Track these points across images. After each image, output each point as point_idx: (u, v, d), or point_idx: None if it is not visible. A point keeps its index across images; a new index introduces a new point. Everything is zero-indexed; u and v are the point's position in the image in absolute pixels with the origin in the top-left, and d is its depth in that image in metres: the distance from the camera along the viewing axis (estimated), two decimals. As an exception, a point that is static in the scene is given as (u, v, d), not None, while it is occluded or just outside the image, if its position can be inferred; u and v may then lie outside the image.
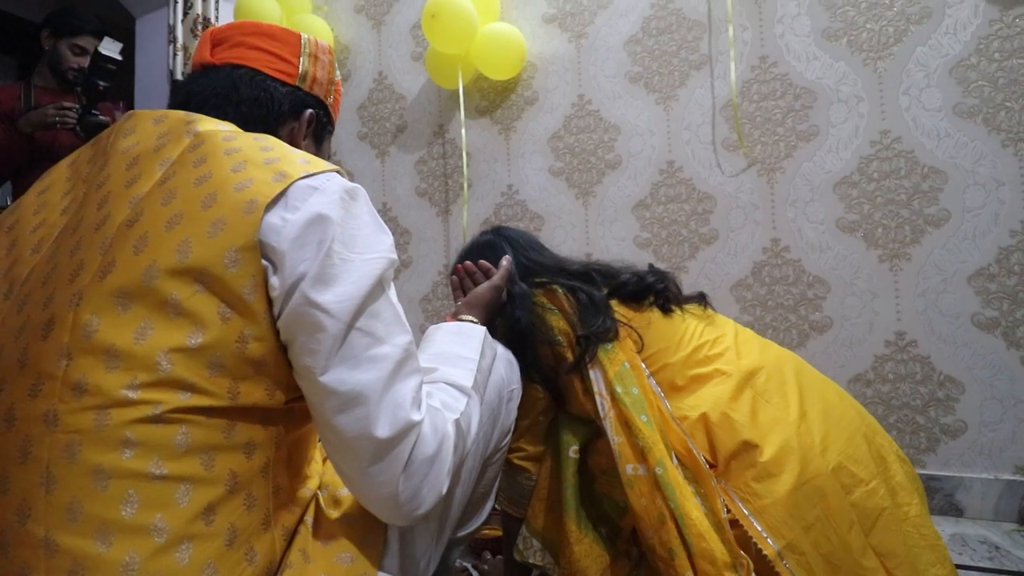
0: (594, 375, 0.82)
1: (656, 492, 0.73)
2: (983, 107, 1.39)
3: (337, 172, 0.56)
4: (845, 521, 0.73)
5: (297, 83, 0.66)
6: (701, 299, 0.97)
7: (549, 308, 0.88)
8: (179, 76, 2.09)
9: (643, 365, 0.83)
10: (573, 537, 0.82)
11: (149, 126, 0.57)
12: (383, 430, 0.51)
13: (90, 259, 0.50)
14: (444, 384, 0.64)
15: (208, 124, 0.56)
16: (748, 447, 0.76)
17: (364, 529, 0.58)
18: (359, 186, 0.56)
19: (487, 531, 1.20)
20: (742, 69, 1.61)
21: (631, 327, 0.86)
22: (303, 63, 0.67)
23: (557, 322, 0.86)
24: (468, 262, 0.97)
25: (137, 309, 0.47)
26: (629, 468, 0.76)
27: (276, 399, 0.52)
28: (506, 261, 0.92)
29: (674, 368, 0.86)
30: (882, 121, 1.47)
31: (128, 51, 2.11)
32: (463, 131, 1.86)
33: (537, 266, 0.95)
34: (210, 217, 0.49)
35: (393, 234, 2.11)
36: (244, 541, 0.50)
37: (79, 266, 0.50)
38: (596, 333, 0.83)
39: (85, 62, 1.67)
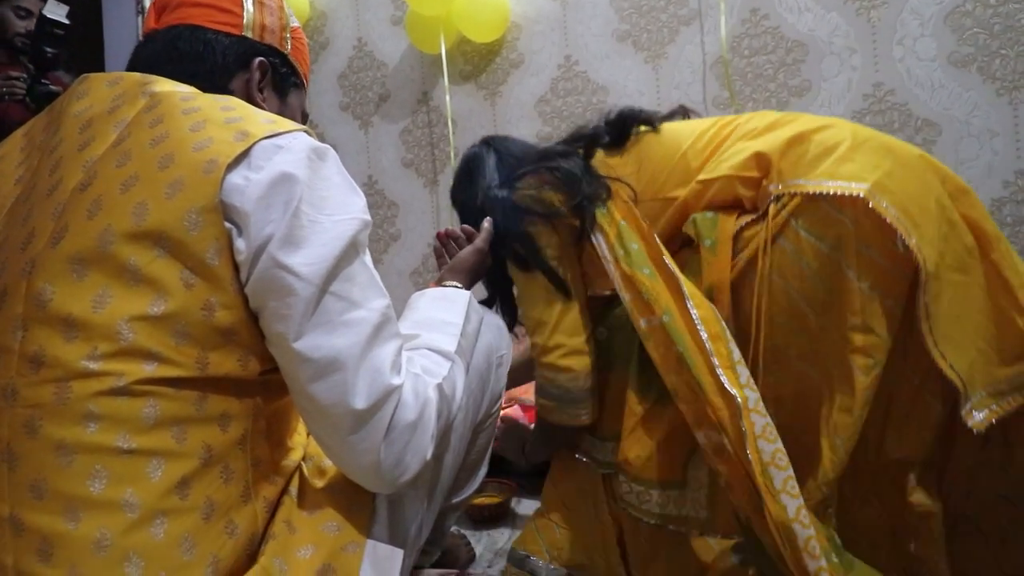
0: (597, 241, 0.81)
1: (670, 340, 0.72)
2: (978, 55, 1.35)
3: (305, 131, 0.53)
4: (922, 174, 0.70)
5: (244, 33, 0.62)
6: (683, 113, 0.93)
7: (542, 188, 0.86)
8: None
9: (643, 222, 0.81)
10: (637, 409, 0.80)
11: (103, 89, 0.55)
12: (361, 397, 0.50)
13: (42, 226, 0.48)
14: (426, 350, 0.62)
15: (165, 85, 0.54)
16: (796, 140, 0.74)
17: (351, 498, 0.57)
18: (328, 146, 0.53)
19: (482, 499, 1.20)
20: (732, 23, 1.56)
21: (619, 179, 0.84)
22: (247, 11, 0.63)
23: (553, 196, 0.84)
24: (449, 228, 0.96)
25: (94, 276, 0.45)
26: (643, 322, 0.75)
27: (250, 369, 0.50)
28: (487, 223, 0.90)
29: (686, 161, 0.82)
30: (875, 74, 1.44)
31: (96, 23, 2.03)
32: (447, 98, 1.80)
33: (518, 163, 0.92)
34: (167, 178, 0.47)
35: (380, 208, 2.09)
36: (223, 514, 0.49)
37: (31, 233, 0.48)
38: (587, 197, 0.82)
39: (31, 26, 1.59)
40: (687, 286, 0.74)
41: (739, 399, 0.67)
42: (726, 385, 0.68)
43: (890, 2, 1.42)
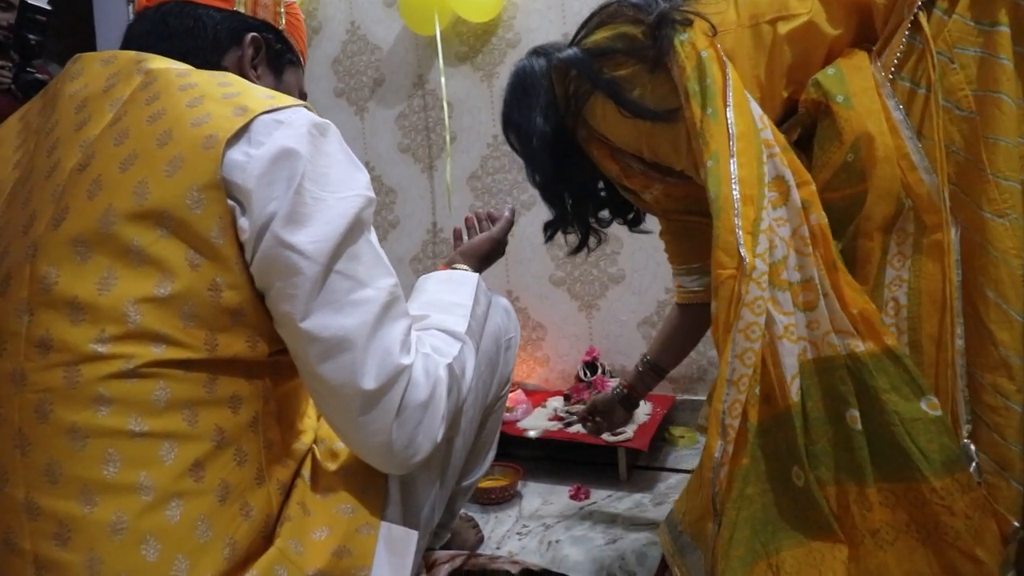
0: (676, 74, 0.74)
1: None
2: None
3: (304, 106, 0.52)
4: None
5: (236, 7, 0.61)
6: None
7: (617, 25, 0.78)
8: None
9: (727, 61, 0.72)
10: None
11: (97, 67, 0.53)
12: (371, 377, 0.50)
13: (42, 208, 0.47)
14: (436, 331, 0.62)
15: (160, 62, 0.53)
16: None
17: (364, 480, 0.57)
18: (329, 121, 0.52)
19: (489, 481, 1.21)
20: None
21: (699, 14, 0.74)
22: None
23: (631, 30, 0.77)
24: (478, 210, 0.90)
25: (97, 258, 0.45)
26: (709, 162, 0.70)
27: (259, 351, 0.49)
28: (508, 212, 0.87)
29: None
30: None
31: (87, 12, 1.98)
32: (443, 80, 1.78)
33: (578, 31, 0.84)
34: (166, 155, 0.46)
35: (378, 194, 2.06)
36: (238, 496, 0.49)
37: (32, 216, 0.47)
38: (662, 18, 0.74)
39: (11, 18, 1.56)
40: (739, 142, 0.69)
41: (747, 263, 0.65)
42: (740, 245, 0.66)
43: None
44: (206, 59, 0.58)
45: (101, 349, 0.43)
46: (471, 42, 1.83)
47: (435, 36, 1.75)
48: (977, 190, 0.65)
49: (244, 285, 0.47)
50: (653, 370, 1.04)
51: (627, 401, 1.08)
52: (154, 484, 0.44)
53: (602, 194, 0.96)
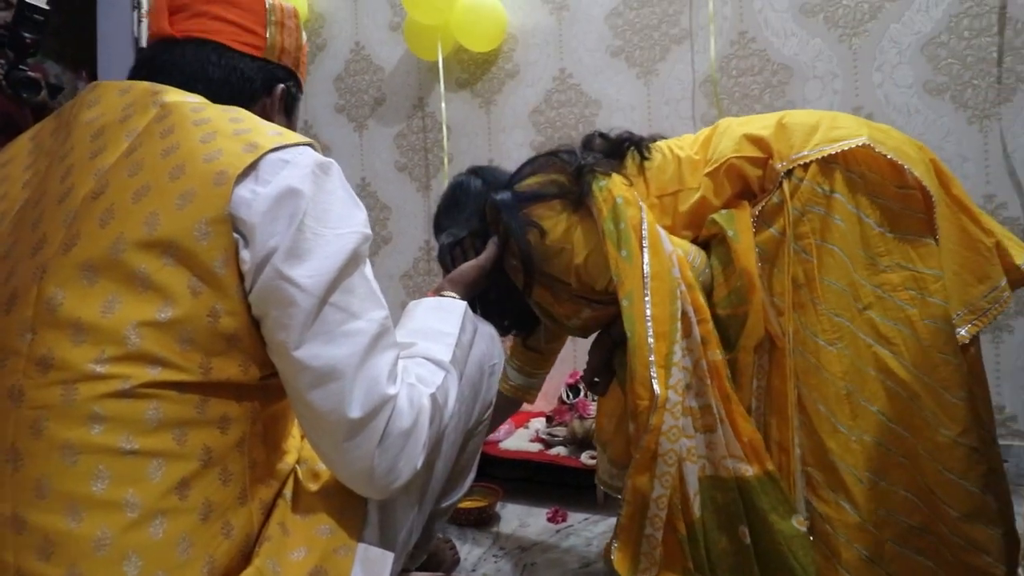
0: (595, 215, 0.84)
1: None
2: (952, 84, 1.41)
3: (310, 145, 0.55)
4: (891, 130, 0.84)
5: (265, 55, 0.63)
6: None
7: (547, 173, 0.89)
8: (144, 44, 1.99)
9: (642, 204, 0.84)
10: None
11: (114, 97, 0.55)
12: (357, 405, 0.51)
13: (53, 232, 0.49)
14: (422, 359, 0.64)
15: (175, 95, 0.55)
16: (781, 124, 0.85)
17: (343, 502, 0.59)
18: (332, 160, 0.55)
19: (468, 502, 1.22)
20: (721, 44, 1.60)
21: (619, 172, 0.87)
22: (271, 33, 0.63)
23: (559, 178, 0.87)
24: (460, 241, 0.95)
25: (104, 283, 0.46)
26: (624, 302, 0.80)
27: (250, 375, 0.51)
28: (492, 243, 0.91)
29: (689, 159, 0.88)
30: (855, 98, 1.49)
31: (90, 18, 2.00)
32: (443, 104, 1.82)
33: (508, 178, 0.94)
34: (178, 189, 0.48)
35: (372, 210, 2.09)
36: (220, 516, 0.50)
37: (42, 239, 0.49)
38: (586, 167, 0.85)
39: (8, 17, 1.57)
40: (654, 281, 0.79)
41: (659, 395, 0.75)
42: (653, 379, 0.76)
43: (871, 30, 1.47)
44: (238, 106, 0.59)
45: (100, 369, 0.45)
46: (472, 70, 1.88)
47: (437, 62, 1.79)
48: (813, 321, 0.78)
49: (242, 312, 0.49)
50: None
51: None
52: (140, 501, 0.45)
53: (507, 310, 1.03)
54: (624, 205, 0.82)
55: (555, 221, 0.86)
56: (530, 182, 0.89)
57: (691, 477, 0.76)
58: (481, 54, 1.84)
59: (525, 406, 1.73)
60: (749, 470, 0.76)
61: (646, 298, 0.78)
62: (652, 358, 0.76)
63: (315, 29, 2.08)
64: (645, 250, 0.80)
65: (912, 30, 1.43)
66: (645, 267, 0.79)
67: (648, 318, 0.78)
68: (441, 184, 1.87)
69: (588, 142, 0.93)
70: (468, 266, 0.88)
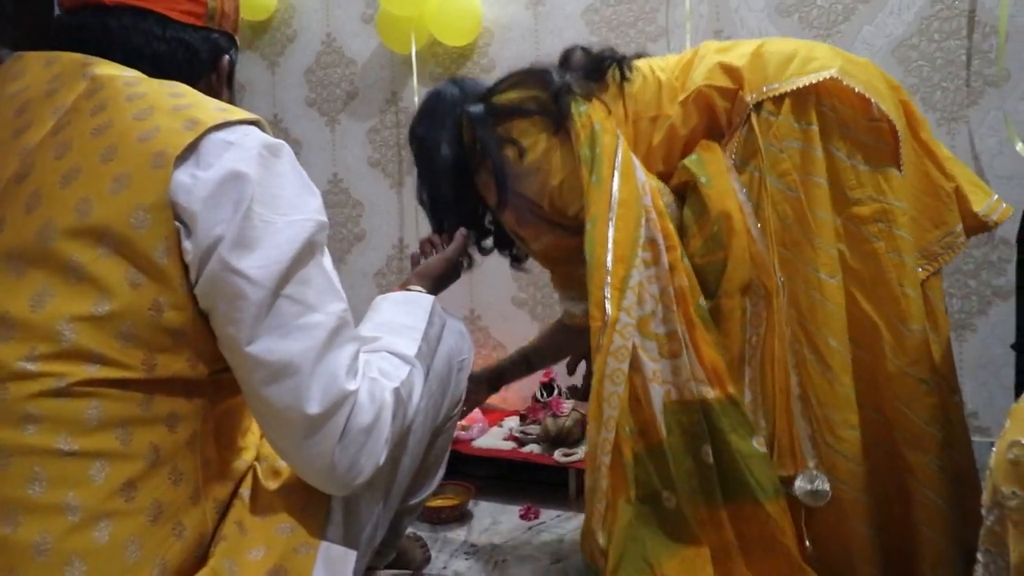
0: (573, 139, 0.83)
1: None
2: (921, 86, 1.44)
3: (257, 124, 0.51)
4: (868, 66, 0.84)
5: (206, 23, 0.58)
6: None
7: (523, 87, 0.87)
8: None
9: (619, 133, 0.83)
10: None
11: (39, 69, 0.51)
12: (315, 402, 0.50)
13: None
14: (386, 353, 0.62)
15: (108, 68, 0.50)
16: (756, 53, 0.83)
17: (304, 499, 0.57)
18: (282, 142, 0.52)
19: (440, 500, 1.21)
20: (697, 42, 1.61)
21: (599, 98, 0.85)
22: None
23: (536, 92, 0.86)
24: (432, 235, 0.93)
25: (33, 274, 0.44)
26: (588, 225, 0.80)
27: (199, 370, 0.49)
28: (460, 235, 0.90)
29: (669, 82, 0.86)
30: (827, 98, 1.51)
31: (47, 4, 1.92)
32: (416, 99, 1.80)
33: (492, 87, 0.92)
34: (112, 172, 0.45)
35: (345, 207, 2.06)
36: (171, 516, 0.48)
37: None
38: (563, 88, 0.83)
39: None
40: (620, 207, 0.79)
41: (609, 315, 0.76)
42: (606, 300, 0.77)
43: (844, 32, 1.50)
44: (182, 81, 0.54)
45: (31, 367, 0.42)
46: (446, 64, 1.86)
47: (411, 55, 1.77)
48: (812, 256, 0.79)
49: (187, 306, 0.47)
50: (525, 363, 1.12)
51: (492, 382, 1.12)
52: (82, 504, 0.43)
53: (489, 226, 1.03)
54: (601, 132, 0.82)
55: (534, 140, 0.85)
56: (510, 96, 0.87)
57: (656, 399, 0.77)
58: (456, 48, 1.82)
59: (499, 404, 1.74)
60: (711, 392, 0.77)
61: (610, 221, 0.79)
62: (609, 279, 0.77)
63: (285, 20, 2.04)
64: (616, 175, 0.80)
65: (884, 32, 1.46)
66: (614, 192, 0.79)
67: (610, 240, 0.78)
68: (415, 181, 1.84)
69: (568, 57, 0.91)
70: (436, 259, 0.87)
